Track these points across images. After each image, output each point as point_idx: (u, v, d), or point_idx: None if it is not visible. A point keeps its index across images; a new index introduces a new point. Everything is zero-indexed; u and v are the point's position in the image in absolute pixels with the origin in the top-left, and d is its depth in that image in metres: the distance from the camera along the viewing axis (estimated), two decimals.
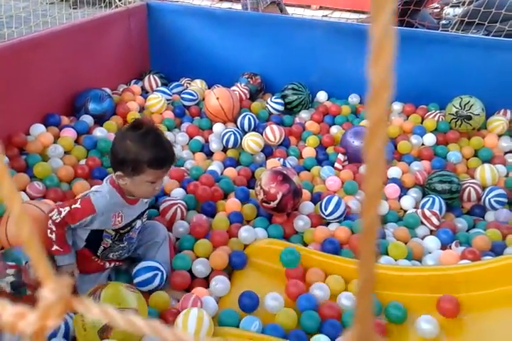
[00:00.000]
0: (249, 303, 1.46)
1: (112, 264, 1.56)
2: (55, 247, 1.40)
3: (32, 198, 1.80)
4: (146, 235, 1.62)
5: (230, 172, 2.18)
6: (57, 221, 1.39)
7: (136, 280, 1.48)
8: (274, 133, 2.37)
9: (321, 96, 2.82)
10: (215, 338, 1.29)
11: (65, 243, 1.43)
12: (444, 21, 4.06)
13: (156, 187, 1.42)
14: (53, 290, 0.25)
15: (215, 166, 2.21)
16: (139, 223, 1.53)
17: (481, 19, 3.35)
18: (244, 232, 1.72)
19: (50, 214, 1.40)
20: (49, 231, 1.39)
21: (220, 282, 1.52)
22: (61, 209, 1.40)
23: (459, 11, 4.00)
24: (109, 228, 1.45)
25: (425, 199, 2.03)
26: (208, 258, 1.62)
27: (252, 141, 2.30)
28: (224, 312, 1.40)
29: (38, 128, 2.13)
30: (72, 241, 1.46)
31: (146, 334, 0.25)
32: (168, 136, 2.36)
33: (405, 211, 2.06)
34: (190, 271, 1.60)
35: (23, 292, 1.31)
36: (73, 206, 1.39)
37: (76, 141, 2.20)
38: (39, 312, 0.25)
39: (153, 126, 1.46)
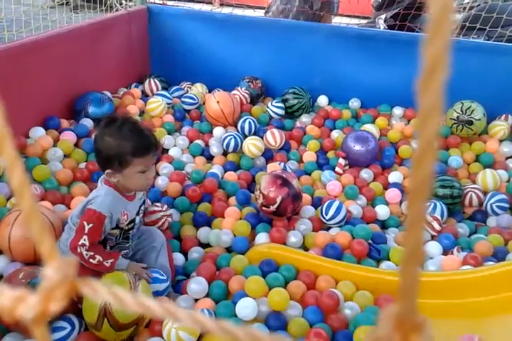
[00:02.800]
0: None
1: None
2: (107, 264, 1.37)
3: None
4: (143, 240, 1.60)
5: (231, 176, 2.17)
6: (88, 251, 1.35)
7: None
8: (274, 137, 2.35)
9: (322, 100, 2.81)
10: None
11: (109, 254, 1.41)
12: None
13: (149, 176, 1.40)
14: (57, 269, 0.22)
15: (216, 170, 2.19)
16: (137, 219, 1.52)
17: (482, 24, 3.35)
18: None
19: (79, 252, 1.35)
20: (92, 262, 1.36)
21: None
22: (80, 242, 1.35)
23: (459, 16, 4.00)
24: (114, 228, 1.44)
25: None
26: None
27: (252, 145, 2.29)
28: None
29: (37, 131, 2.11)
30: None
31: (159, 316, 0.23)
32: (168, 139, 2.35)
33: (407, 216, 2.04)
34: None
35: None
36: (86, 229, 1.36)
37: (76, 145, 2.18)
38: (41, 294, 0.22)
39: (126, 117, 1.45)
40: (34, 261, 1.54)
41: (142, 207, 1.56)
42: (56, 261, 0.23)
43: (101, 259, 1.36)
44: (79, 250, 1.36)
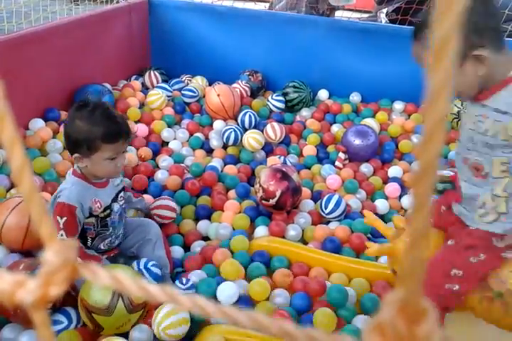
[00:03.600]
0: None
1: (105, 256, 1.51)
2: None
3: None
4: (138, 233, 1.58)
5: (230, 169, 2.17)
6: None
7: None
8: (274, 131, 2.35)
9: (323, 94, 2.81)
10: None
11: (89, 257, 1.39)
12: None
13: (118, 164, 1.38)
14: (57, 253, 0.22)
15: (215, 163, 2.19)
16: (116, 206, 1.50)
17: None
18: None
19: None
20: None
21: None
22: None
23: None
24: (87, 216, 1.42)
25: None
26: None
27: (252, 139, 2.29)
28: None
29: (37, 123, 2.11)
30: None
31: (161, 301, 0.23)
32: (168, 132, 2.35)
33: (406, 210, 2.05)
34: None
35: None
36: (61, 224, 1.34)
37: None
38: (41, 278, 0.22)
39: (99, 102, 1.43)
40: (20, 250, 1.55)
41: (121, 194, 1.53)
42: (56, 244, 0.23)
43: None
44: None
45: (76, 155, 1.36)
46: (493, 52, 1.02)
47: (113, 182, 1.49)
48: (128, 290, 0.22)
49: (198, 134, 2.42)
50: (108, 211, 1.47)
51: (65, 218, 1.34)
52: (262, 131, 2.36)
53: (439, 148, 0.18)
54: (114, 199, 1.50)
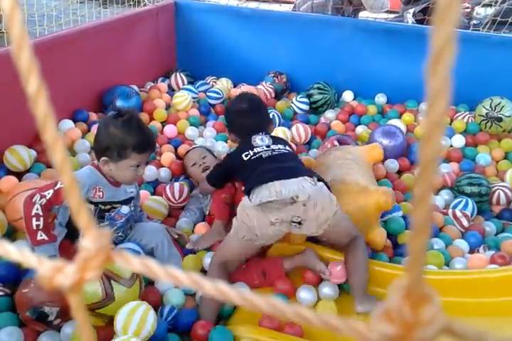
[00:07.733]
0: None
1: None
2: (40, 236, 1.31)
3: None
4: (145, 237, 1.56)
5: None
6: (42, 203, 1.33)
7: None
8: (299, 132, 2.36)
9: (347, 95, 2.80)
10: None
11: (51, 230, 1.36)
12: (474, 21, 3.98)
13: (139, 173, 1.47)
14: (94, 241, 0.24)
15: None
16: (125, 209, 1.52)
17: None
18: None
19: (33, 200, 1.33)
20: (34, 219, 1.31)
21: None
22: (43, 193, 1.34)
23: (490, 10, 3.91)
24: (88, 200, 1.43)
25: (457, 200, 1.97)
26: None
27: (281, 132, 2.30)
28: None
29: (66, 124, 2.16)
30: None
31: (187, 287, 0.25)
32: (193, 130, 2.36)
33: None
34: None
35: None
36: (57, 187, 1.35)
37: None
38: (78, 264, 0.24)
39: (133, 113, 1.51)
40: None
41: (133, 201, 1.56)
42: (92, 232, 0.24)
43: (41, 226, 1.31)
44: (35, 199, 1.33)
45: (104, 158, 1.43)
46: None
47: (125, 188, 1.53)
48: (157, 275, 0.24)
49: (224, 134, 2.43)
50: (109, 206, 1.48)
51: (62, 186, 1.30)
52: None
53: (438, 147, 0.19)
54: (127, 202, 1.53)
